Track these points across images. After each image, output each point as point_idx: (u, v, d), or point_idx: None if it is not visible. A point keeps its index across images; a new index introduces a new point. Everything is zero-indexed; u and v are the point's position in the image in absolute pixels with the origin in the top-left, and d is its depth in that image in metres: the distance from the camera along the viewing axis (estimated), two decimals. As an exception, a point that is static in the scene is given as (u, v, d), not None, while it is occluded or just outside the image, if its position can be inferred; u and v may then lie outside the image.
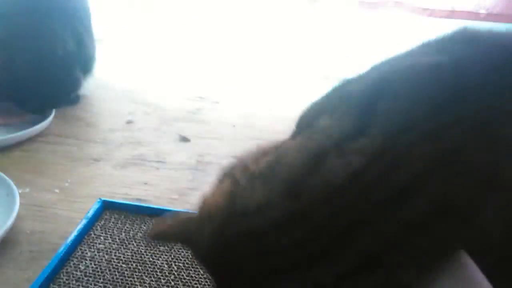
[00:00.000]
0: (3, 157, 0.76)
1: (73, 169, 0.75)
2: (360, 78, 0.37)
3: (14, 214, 0.56)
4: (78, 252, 0.54)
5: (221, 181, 0.37)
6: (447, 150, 0.27)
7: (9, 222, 0.55)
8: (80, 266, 0.52)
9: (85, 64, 0.97)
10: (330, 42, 1.80)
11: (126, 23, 1.86)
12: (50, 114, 0.87)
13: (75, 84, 0.95)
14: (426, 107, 0.28)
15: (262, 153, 0.36)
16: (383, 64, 0.37)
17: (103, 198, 0.63)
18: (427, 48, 0.36)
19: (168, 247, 0.57)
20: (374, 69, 0.37)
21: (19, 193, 0.61)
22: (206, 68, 1.42)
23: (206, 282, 0.52)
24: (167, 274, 0.52)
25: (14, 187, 0.61)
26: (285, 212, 0.29)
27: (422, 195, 0.26)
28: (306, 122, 0.38)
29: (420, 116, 0.28)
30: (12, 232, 0.56)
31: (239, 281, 0.32)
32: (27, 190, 0.67)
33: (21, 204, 0.59)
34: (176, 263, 0.54)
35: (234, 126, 1.02)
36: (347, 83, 0.38)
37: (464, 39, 0.35)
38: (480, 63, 0.30)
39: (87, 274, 0.51)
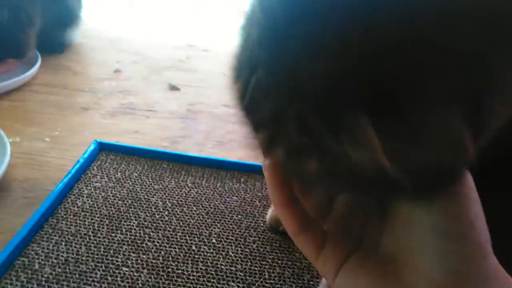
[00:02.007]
0: (-9, 107, 0.75)
1: (62, 118, 0.74)
2: None
3: (6, 162, 0.56)
4: (75, 189, 0.55)
5: None
6: None
7: (1, 170, 0.55)
8: (78, 202, 0.53)
9: (62, 20, 0.94)
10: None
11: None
12: (36, 63, 0.85)
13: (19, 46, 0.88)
14: None
15: None
16: None
17: (99, 140, 0.63)
18: None
19: (162, 185, 0.58)
20: None
21: (10, 142, 0.60)
22: (194, 15, 1.38)
23: (199, 218, 0.53)
24: (161, 210, 0.54)
25: (4, 136, 0.61)
26: None
27: None
28: None
29: None
30: (5, 180, 0.57)
31: None
32: (18, 139, 0.67)
33: (12, 153, 0.59)
34: (170, 200, 0.55)
35: (224, 74, 1.01)
36: None
37: None
38: None
39: (84, 209, 0.52)
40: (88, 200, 0.53)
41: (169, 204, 0.55)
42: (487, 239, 0.22)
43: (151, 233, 0.50)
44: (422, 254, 0.23)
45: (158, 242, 0.49)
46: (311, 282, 0.46)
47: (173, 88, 0.90)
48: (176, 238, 0.50)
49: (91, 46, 1.04)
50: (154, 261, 0.46)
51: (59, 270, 0.44)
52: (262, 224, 0.54)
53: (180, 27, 1.27)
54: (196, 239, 0.50)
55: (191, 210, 0.54)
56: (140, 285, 0.44)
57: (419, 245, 0.23)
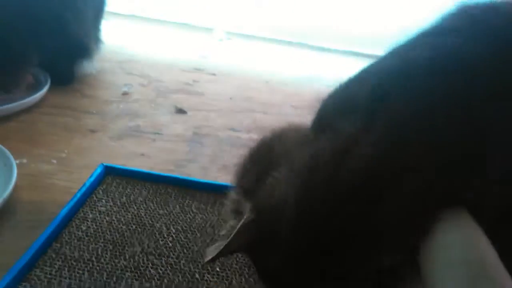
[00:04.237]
0: (0, 128, 0.75)
1: (70, 140, 0.75)
2: (361, 79, 0.39)
3: (12, 184, 0.56)
4: (80, 214, 0.55)
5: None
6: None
7: (7, 192, 0.55)
8: (82, 226, 0.53)
9: (69, 52, 0.95)
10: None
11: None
12: (46, 85, 0.86)
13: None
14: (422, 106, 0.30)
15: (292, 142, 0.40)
16: (381, 63, 0.39)
17: (105, 163, 0.64)
18: (422, 39, 0.37)
19: (167, 211, 0.58)
20: (373, 69, 0.39)
21: (16, 164, 0.61)
22: (202, 39, 1.41)
23: (203, 244, 0.53)
24: (165, 236, 0.53)
25: (11, 157, 0.61)
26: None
27: None
28: (325, 123, 0.39)
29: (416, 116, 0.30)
30: (10, 202, 0.57)
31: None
32: (24, 160, 0.67)
33: (18, 174, 0.59)
34: (175, 226, 0.55)
35: (231, 98, 1.02)
36: (350, 84, 0.39)
37: (463, 24, 0.34)
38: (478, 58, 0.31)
39: (88, 234, 0.52)
40: (92, 225, 0.53)
41: (173, 230, 0.54)
42: None
43: (155, 260, 0.49)
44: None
45: (161, 270, 0.48)
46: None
47: (180, 111, 0.91)
48: (180, 265, 0.49)
49: (100, 69, 1.05)
50: (157, 289, 0.46)
51: (61, 296, 0.43)
52: (266, 252, 0.53)
53: (188, 51, 1.29)
54: (199, 266, 0.50)
55: (195, 237, 0.54)
56: (142, 313, 0.43)
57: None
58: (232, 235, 0.37)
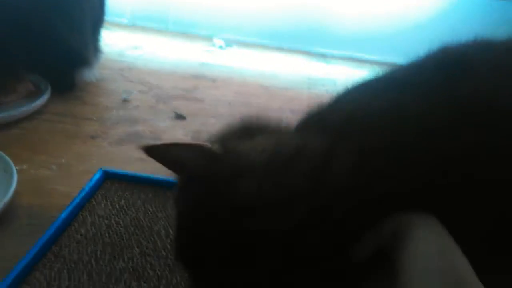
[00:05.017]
0: (1, 135, 0.76)
1: (70, 146, 0.75)
2: (335, 108, 0.41)
3: (12, 189, 0.57)
4: (79, 217, 0.56)
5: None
6: None
7: (7, 197, 0.55)
8: (81, 230, 0.53)
9: (67, 62, 0.96)
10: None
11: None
12: (47, 92, 0.87)
13: None
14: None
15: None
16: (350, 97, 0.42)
17: (104, 168, 0.64)
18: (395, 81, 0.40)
19: (166, 213, 0.58)
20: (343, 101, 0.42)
21: (17, 170, 0.61)
22: (202, 47, 1.42)
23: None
24: (164, 238, 0.54)
25: (11, 163, 0.62)
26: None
27: None
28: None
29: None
30: (11, 207, 0.57)
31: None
32: (24, 167, 0.68)
33: (18, 180, 0.59)
34: (173, 228, 0.56)
35: (230, 103, 1.02)
36: (329, 109, 0.42)
37: (444, 67, 0.37)
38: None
39: (87, 237, 0.52)
40: (91, 228, 0.54)
41: (172, 232, 0.55)
42: None
43: (153, 261, 0.50)
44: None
45: (159, 271, 0.49)
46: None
47: (179, 117, 0.91)
48: (178, 266, 0.50)
49: (100, 76, 1.06)
50: (155, 289, 0.46)
51: (60, 298, 0.44)
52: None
53: (188, 57, 1.30)
54: (198, 268, 0.50)
55: (194, 239, 0.54)
56: (141, 314, 0.43)
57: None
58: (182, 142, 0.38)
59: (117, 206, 0.58)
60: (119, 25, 1.46)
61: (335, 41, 1.50)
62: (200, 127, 0.88)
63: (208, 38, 1.48)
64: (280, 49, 1.51)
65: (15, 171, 0.60)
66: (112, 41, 1.21)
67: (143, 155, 0.74)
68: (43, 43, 0.90)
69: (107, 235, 0.53)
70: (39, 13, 0.89)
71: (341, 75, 1.32)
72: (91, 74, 1.02)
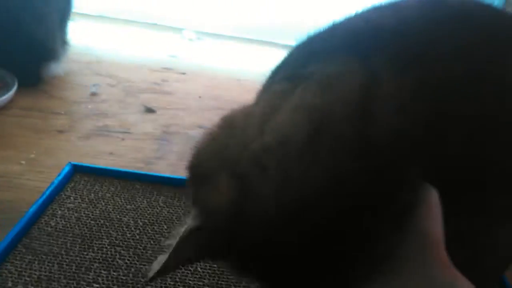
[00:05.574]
0: (-33, 131, 0.76)
1: (38, 141, 0.76)
2: (327, 34, 0.36)
3: (-19, 185, 0.58)
4: (49, 210, 0.57)
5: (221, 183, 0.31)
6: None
7: (-24, 192, 0.56)
8: (51, 222, 0.55)
9: (33, 54, 0.95)
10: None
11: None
12: (13, 87, 0.87)
13: None
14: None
15: (258, 125, 0.31)
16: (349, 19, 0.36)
17: (73, 162, 0.66)
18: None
19: (135, 205, 0.60)
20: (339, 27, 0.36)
21: (-15, 165, 0.62)
22: (172, 39, 1.42)
23: (169, 235, 0.56)
24: (133, 229, 0.56)
25: (-20, 159, 0.63)
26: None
27: None
28: (290, 72, 0.35)
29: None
30: (-20, 202, 0.58)
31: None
32: (-7, 162, 0.68)
33: (-13, 175, 0.60)
34: (142, 220, 0.58)
35: (200, 97, 1.04)
36: (315, 37, 0.37)
37: None
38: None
39: (57, 229, 0.54)
40: (61, 221, 0.55)
41: (141, 223, 0.57)
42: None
43: (122, 251, 0.52)
44: None
45: (128, 260, 0.51)
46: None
47: (149, 110, 0.93)
48: (147, 255, 0.52)
49: (68, 69, 1.06)
50: (124, 277, 0.49)
51: (32, 287, 0.46)
52: (230, 241, 0.56)
53: (157, 50, 1.31)
54: (166, 256, 0.52)
55: (162, 229, 0.57)
56: (111, 301, 0.46)
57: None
58: (170, 251, 0.31)
59: (87, 200, 0.60)
60: (86, 16, 1.45)
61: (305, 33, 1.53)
62: (170, 121, 0.90)
63: (178, 30, 1.48)
64: (252, 41, 1.52)
65: (-17, 166, 0.61)
66: (79, 34, 1.20)
67: (112, 149, 0.76)
68: (8, 35, 0.89)
69: (77, 227, 0.55)
70: (4, 5, 0.88)
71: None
72: (58, 67, 1.02)
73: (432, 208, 0.27)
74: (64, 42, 1.04)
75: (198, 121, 0.92)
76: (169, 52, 1.30)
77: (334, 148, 0.26)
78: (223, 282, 0.50)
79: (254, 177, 0.28)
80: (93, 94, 0.96)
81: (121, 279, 0.48)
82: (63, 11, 1.04)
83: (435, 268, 0.26)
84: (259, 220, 0.27)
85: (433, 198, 0.28)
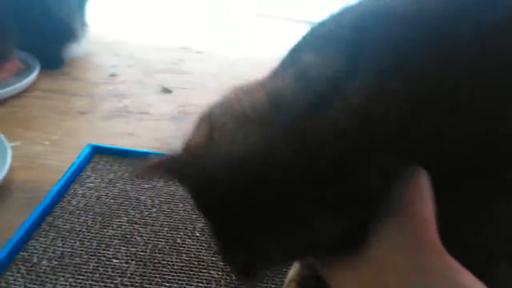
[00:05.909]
0: (-8, 113, 0.79)
1: (60, 122, 0.79)
2: (335, 21, 0.35)
3: (7, 165, 0.61)
4: (70, 190, 0.60)
5: (199, 127, 0.34)
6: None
7: (3, 173, 0.59)
8: (73, 201, 0.58)
9: (57, 36, 0.98)
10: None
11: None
12: (36, 69, 0.90)
13: None
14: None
15: (244, 92, 0.33)
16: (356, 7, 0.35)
17: (93, 143, 0.68)
18: None
19: (152, 185, 0.62)
20: (348, 12, 0.35)
21: (11, 146, 0.65)
22: (188, 17, 1.42)
23: (185, 214, 0.58)
24: (150, 207, 0.58)
25: (5, 140, 0.66)
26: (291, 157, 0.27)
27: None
28: (288, 61, 0.36)
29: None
30: (6, 182, 0.61)
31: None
32: (18, 143, 0.71)
33: (13, 156, 0.63)
34: (158, 198, 0.60)
35: (216, 76, 1.05)
36: (321, 25, 0.36)
37: None
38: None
39: (79, 208, 0.57)
40: (82, 200, 0.58)
41: (157, 202, 0.59)
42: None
43: (140, 229, 0.54)
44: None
45: (146, 236, 0.53)
46: (285, 270, 0.51)
47: (166, 90, 0.94)
48: (163, 232, 0.54)
49: (88, 51, 1.08)
50: (142, 253, 0.51)
51: (56, 263, 0.49)
52: (243, 219, 0.58)
53: (174, 29, 1.31)
54: (181, 233, 0.55)
55: (177, 207, 0.59)
56: (129, 275, 0.48)
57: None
58: None
59: (106, 179, 0.62)
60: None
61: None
62: (187, 100, 0.91)
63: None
64: (269, 16, 1.51)
65: (9, 148, 0.64)
66: (98, 15, 1.21)
67: (131, 130, 0.78)
68: (34, 17, 0.91)
69: (97, 206, 0.57)
70: None
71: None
72: (79, 48, 1.04)
73: (421, 190, 0.28)
74: (83, 23, 1.06)
75: (214, 100, 0.93)
76: (186, 31, 1.30)
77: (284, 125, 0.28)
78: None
79: (217, 127, 0.31)
80: (113, 75, 0.98)
81: (139, 254, 0.51)
82: None
83: (425, 254, 0.26)
84: (212, 164, 0.29)
85: (422, 180, 0.28)
